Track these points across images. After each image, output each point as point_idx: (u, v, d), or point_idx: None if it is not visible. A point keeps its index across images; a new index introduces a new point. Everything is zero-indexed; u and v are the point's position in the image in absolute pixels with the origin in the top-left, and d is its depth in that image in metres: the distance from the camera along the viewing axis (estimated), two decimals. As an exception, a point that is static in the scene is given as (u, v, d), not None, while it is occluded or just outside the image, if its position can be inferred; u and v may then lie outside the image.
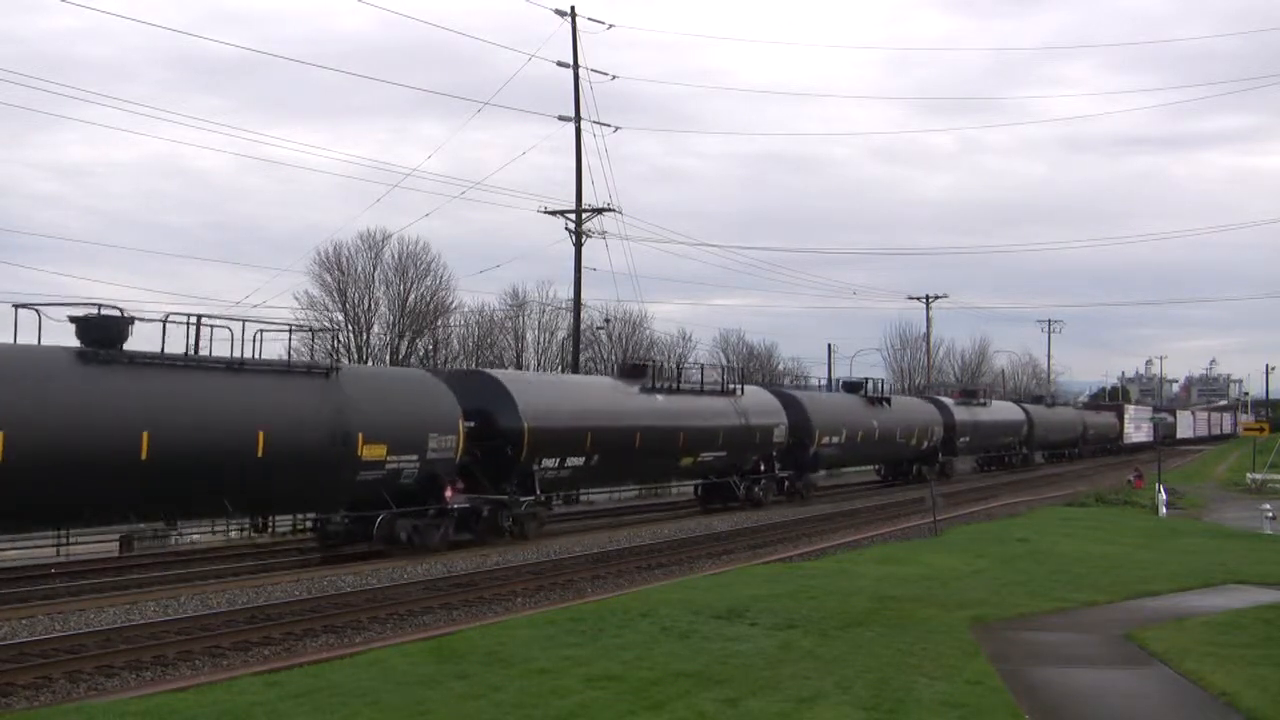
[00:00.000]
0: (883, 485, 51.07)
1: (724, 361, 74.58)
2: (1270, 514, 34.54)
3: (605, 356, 74.22)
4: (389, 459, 23.27)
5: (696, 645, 13.60)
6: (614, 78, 43.74)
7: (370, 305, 64.86)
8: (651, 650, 13.27)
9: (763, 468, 38.01)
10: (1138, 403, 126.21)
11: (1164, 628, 15.55)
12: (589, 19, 46.11)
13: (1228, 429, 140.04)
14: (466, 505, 25.56)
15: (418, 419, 24.11)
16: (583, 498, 37.80)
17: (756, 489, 37.42)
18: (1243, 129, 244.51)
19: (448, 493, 24.78)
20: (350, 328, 63.27)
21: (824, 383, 64.27)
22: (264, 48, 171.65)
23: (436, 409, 24.88)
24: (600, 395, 31.74)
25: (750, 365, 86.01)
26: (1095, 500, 42.04)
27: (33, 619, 16.75)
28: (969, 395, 60.87)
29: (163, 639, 15.50)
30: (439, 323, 66.61)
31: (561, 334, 68.49)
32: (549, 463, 28.10)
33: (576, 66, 41.60)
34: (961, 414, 55.63)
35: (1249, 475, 57.69)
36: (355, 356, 60.85)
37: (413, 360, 60.99)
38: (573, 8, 41.30)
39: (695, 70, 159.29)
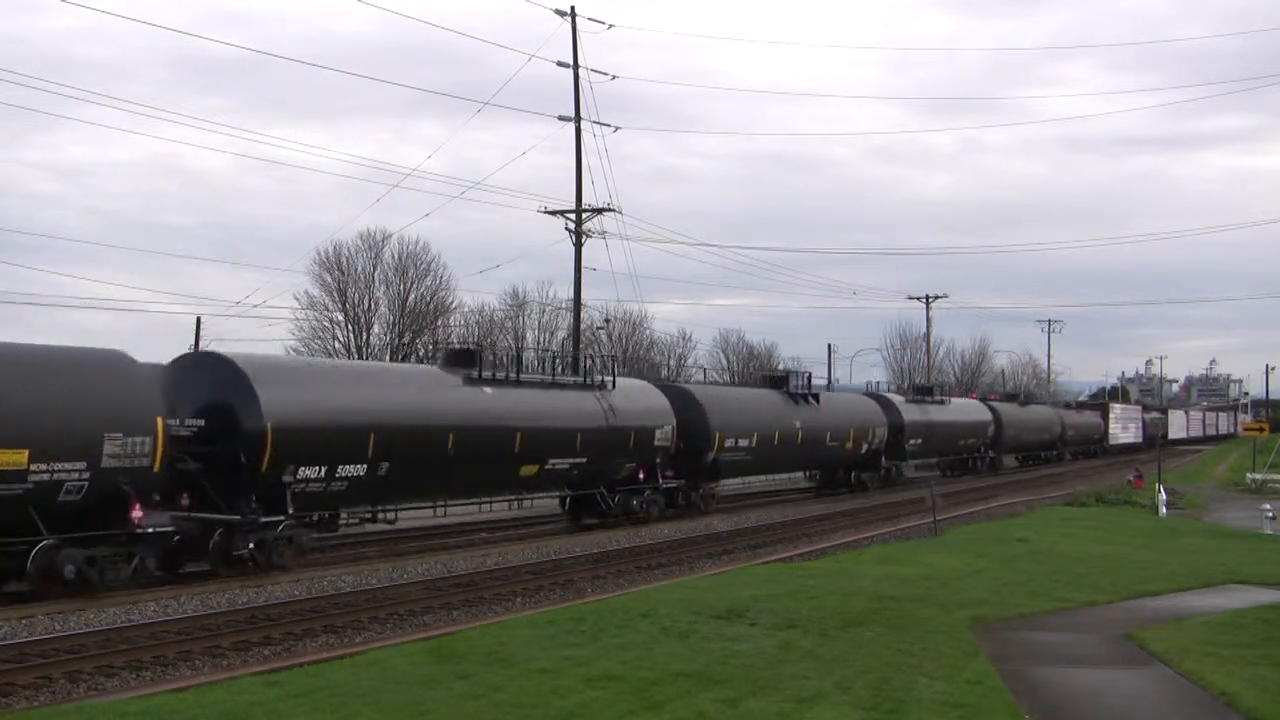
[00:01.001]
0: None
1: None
2: (1270, 514, 34.53)
3: (605, 357, 74.28)
4: (33, 468, 17.80)
5: (696, 645, 13.60)
6: (614, 78, 43.76)
7: (370, 305, 64.97)
8: (651, 650, 13.27)
9: (643, 477, 32.31)
10: (1138, 402, 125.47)
11: (1164, 628, 15.55)
12: (589, 19, 46.18)
13: (1224, 429, 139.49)
14: (170, 529, 19.77)
15: (86, 415, 18.67)
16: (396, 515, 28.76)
17: (636, 502, 31.82)
18: (1242, 129, 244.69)
19: (135, 513, 19.06)
20: (350, 327, 63.32)
21: (823, 383, 63.26)
22: (264, 48, 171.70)
23: (122, 402, 19.25)
24: (399, 387, 25.45)
25: (750, 365, 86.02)
26: (1095, 500, 42.03)
27: (33, 619, 16.74)
28: (923, 392, 55.19)
29: (163, 639, 15.50)
30: (439, 323, 66.65)
31: (561, 334, 68.52)
32: (309, 472, 22.13)
33: (576, 66, 41.61)
34: (912, 413, 49.94)
35: (1249, 475, 57.67)
36: (355, 356, 60.88)
37: (412, 360, 60.89)
38: (573, 8, 41.32)
39: (695, 70, 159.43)
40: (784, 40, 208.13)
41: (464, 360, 27.53)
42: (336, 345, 59.06)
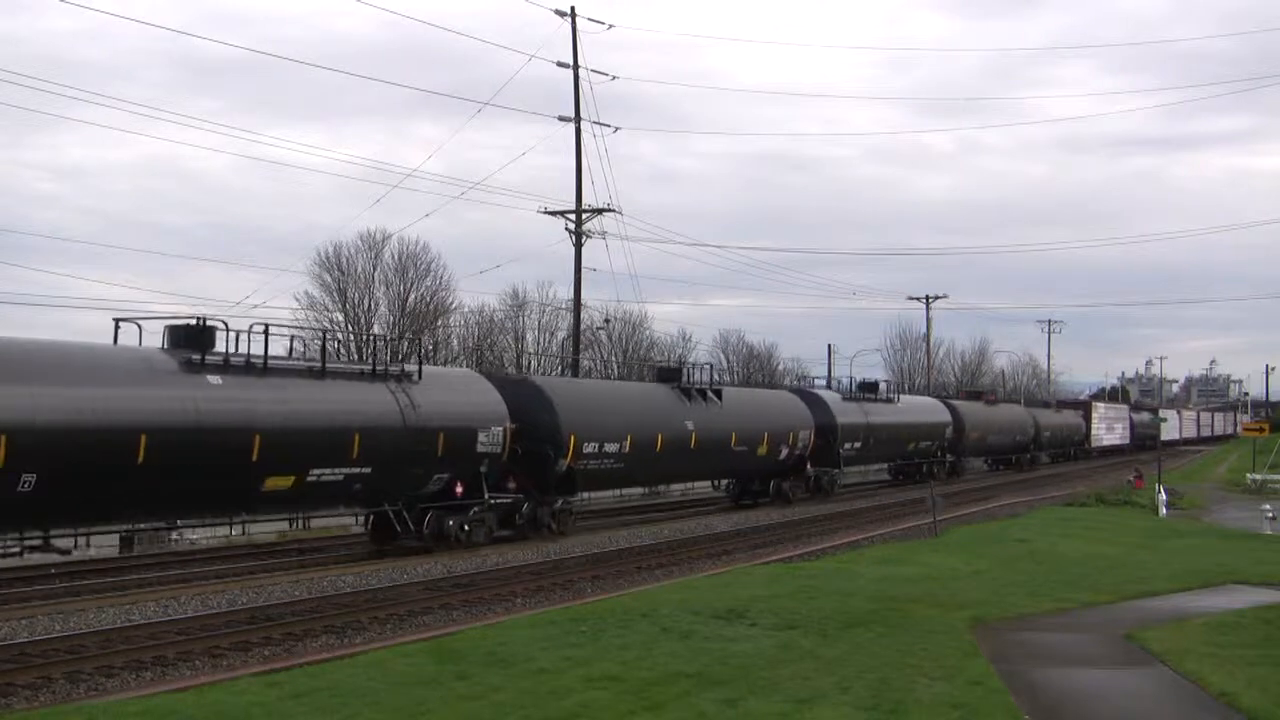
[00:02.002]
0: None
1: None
2: (1270, 514, 34.52)
3: (605, 357, 74.29)
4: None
5: (696, 645, 13.60)
6: (614, 78, 43.79)
7: (370, 305, 64.97)
8: (651, 650, 13.27)
9: (460, 490, 25.36)
10: (1128, 401, 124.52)
11: (1164, 628, 15.54)
12: (589, 19, 46.24)
13: (1220, 430, 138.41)
14: None
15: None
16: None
17: (452, 523, 25.14)
18: (1241, 130, 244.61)
19: None
20: (350, 328, 63.29)
21: (823, 382, 60.82)
22: (264, 48, 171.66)
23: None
24: (59, 377, 18.25)
25: (750, 366, 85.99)
26: (1095, 500, 42.04)
27: (33, 619, 16.75)
28: (868, 389, 49.19)
29: (163, 639, 15.51)
30: (439, 323, 66.65)
31: (561, 334, 68.53)
32: None
33: (576, 67, 41.63)
34: (848, 413, 44.04)
35: (1249, 475, 57.65)
36: (355, 356, 60.83)
37: (413, 360, 60.83)
38: (573, 8, 41.34)
39: (695, 71, 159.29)
40: (783, 41, 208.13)
41: (194, 340, 20.78)
42: (336, 346, 58.95)
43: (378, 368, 24.58)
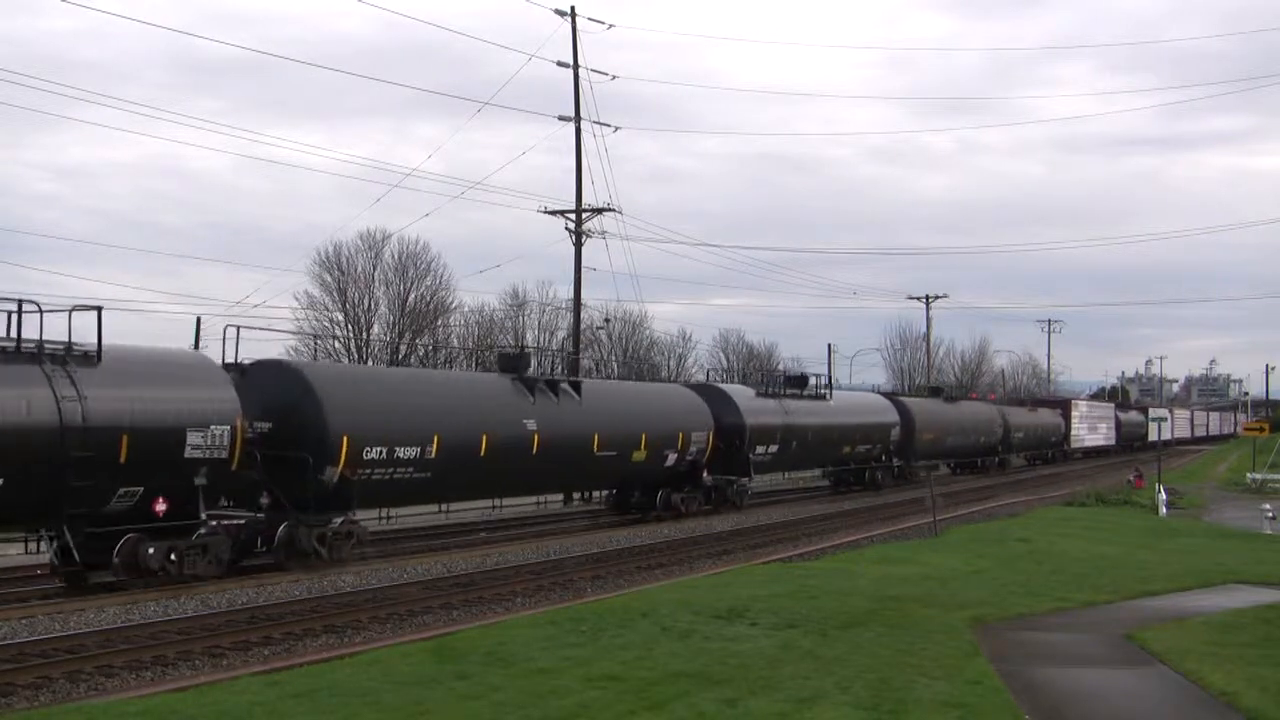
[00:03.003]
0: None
1: (727, 363, 73.94)
2: (1270, 514, 34.51)
3: (605, 356, 74.30)
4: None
5: (696, 645, 13.60)
6: (614, 78, 43.78)
7: (370, 305, 65.00)
8: (651, 650, 13.27)
9: (162, 509, 19.44)
10: (1137, 403, 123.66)
11: (1164, 628, 15.54)
12: (589, 19, 46.19)
13: (1217, 430, 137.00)
14: None
15: None
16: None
17: (152, 551, 19.12)
18: (1239, 130, 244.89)
19: None
20: (350, 328, 63.32)
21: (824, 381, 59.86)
22: (263, 48, 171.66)
23: None
24: None
25: (750, 366, 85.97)
26: (1095, 500, 42.03)
27: (33, 619, 16.75)
28: (793, 384, 42.14)
29: (163, 639, 15.51)
30: (439, 323, 66.67)
31: (561, 334, 68.52)
32: None
33: (576, 66, 41.60)
34: (762, 412, 37.56)
35: (1249, 475, 57.64)
36: (355, 356, 60.89)
37: (413, 360, 60.94)
38: (573, 8, 41.32)
39: (695, 70, 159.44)
40: (783, 40, 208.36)
41: None
42: (336, 345, 59.04)
43: (25, 345, 18.19)
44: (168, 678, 13.64)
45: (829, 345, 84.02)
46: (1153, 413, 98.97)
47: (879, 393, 54.03)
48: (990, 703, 11.12)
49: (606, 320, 66.13)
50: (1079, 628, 15.77)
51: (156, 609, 17.78)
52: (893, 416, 47.82)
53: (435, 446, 24.09)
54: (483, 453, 25.52)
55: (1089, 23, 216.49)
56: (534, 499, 36.22)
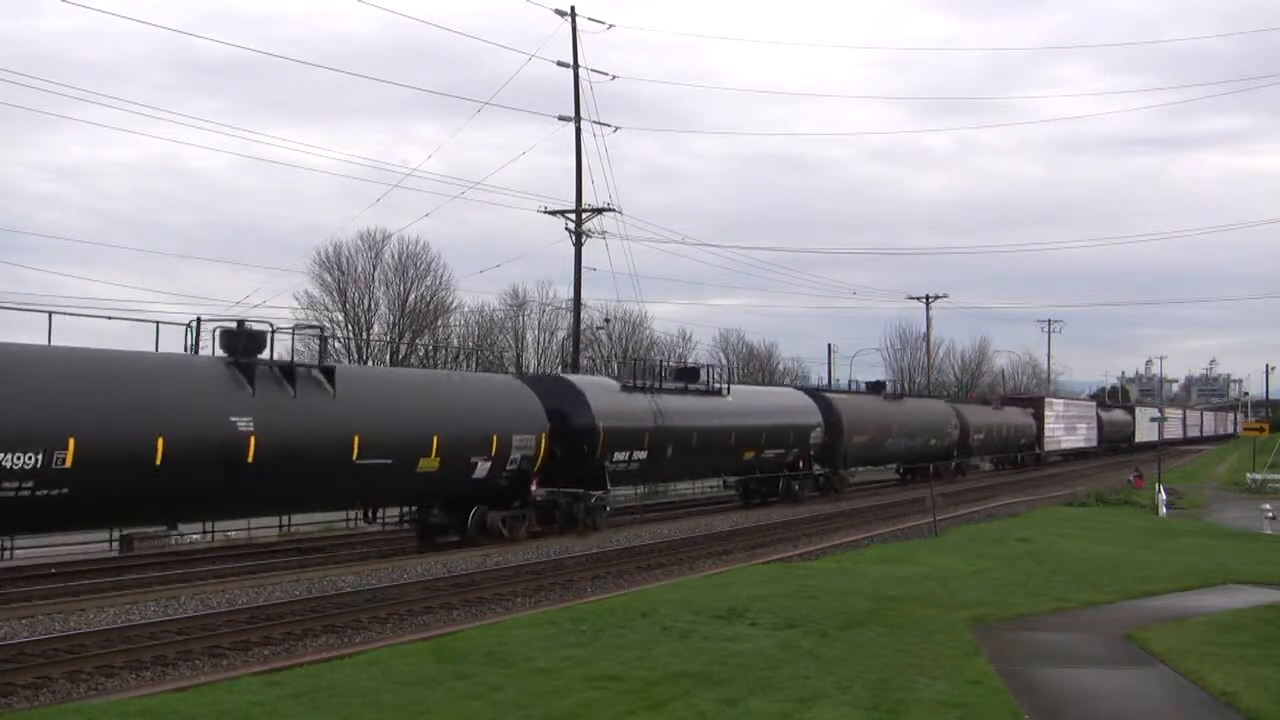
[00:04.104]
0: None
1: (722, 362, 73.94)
2: (1270, 514, 34.53)
3: (605, 356, 74.31)
4: None
5: (696, 645, 13.60)
6: (614, 78, 43.79)
7: (370, 305, 65.07)
8: (651, 650, 13.27)
9: None
10: (1139, 402, 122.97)
11: (1164, 628, 15.54)
12: (589, 19, 46.14)
13: (1213, 430, 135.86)
14: None
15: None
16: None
17: None
18: (1239, 130, 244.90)
19: None
20: (350, 328, 63.34)
21: (823, 381, 58.68)
22: (263, 48, 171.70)
23: None
24: None
25: (750, 365, 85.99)
26: (1095, 500, 42.06)
27: (33, 619, 16.75)
28: (683, 376, 35.90)
29: (163, 639, 15.51)
30: (439, 323, 66.70)
31: (561, 334, 68.59)
32: None
33: (576, 66, 41.61)
34: (623, 410, 30.77)
35: (1249, 475, 57.67)
36: (355, 356, 60.91)
37: (413, 360, 60.98)
38: (573, 8, 41.32)
39: (694, 70, 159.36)
40: (782, 40, 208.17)
41: None
42: (336, 345, 59.09)
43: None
44: (168, 678, 13.65)
45: (829, 345, 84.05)
46: (1140, 412, 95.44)
47: (801, 388, 48.00)
48: (990, 703, 11.12)
49: (606, 320, 66.17)
50: (1079, 628, 15.77)
51: (156, 609, 17.79)
52: (813, 417, 41.09)
53: (70, 454, 17.64)
54: (159, 461, 19.00)
55: (1089, 23, 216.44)
56: (306, 518, 29.37)
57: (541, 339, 71.90)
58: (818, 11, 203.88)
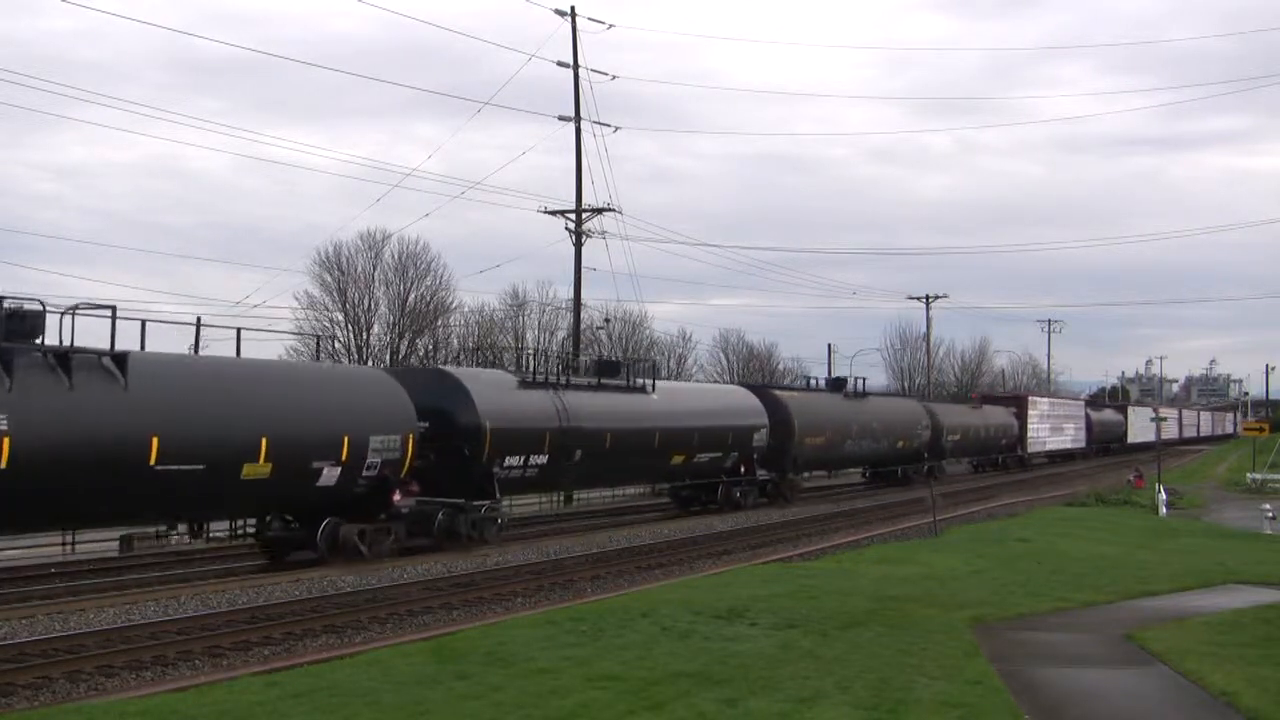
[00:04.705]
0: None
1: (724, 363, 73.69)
2: (1270, 514, 34.52)
3: (605, 357, 74.29)
4: None
5: (696, 645, 13.60)
6: (614, 78, 43.84)
7: (370, 305, 64.99)
8: (651, 650, 13.27)
9: None
10: (1138, 402, 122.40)
11: (1164, 628, 15.54)
12: (589, 19, 46.20)
13: (1209, 431, 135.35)
14: None
15: None
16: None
17: None
18: (1239, 130, 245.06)
19: None
20: (350, 327, 63.35)
21: (823, 382, 52.42)
22: (263, 48, 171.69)
23: None
24: None
25: (750, 365, 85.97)
26: (1095, 500, 42.06)
27: (33, 619, 16.75)
28: (603, 370, 32.56)
29: (163, 639, 15.50)
30: (439, 323, 66.70)
31: (561, 334, 68.52)
32: None
33: (576, 66, 41.63)
34: (517, 409, 27.12)
35: (1249, 475, 57.65)
36: (355, 357, 60.90)
37: (413, 360, 60.96)
38: (573, 8, 41.34)
39: (694, 70, 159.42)
40: (782, 41, 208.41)
41: None
42: (336, 345, 59.08)
43: None
44: (168, 678, 13.64)
45: (829, 345, 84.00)
46: (1133, 412, 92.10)
47: (747, 385, 44.20)
48: (990, 703, 11.12)
49: (606, 320, 66.15)
50: (1079, 628, 15.76)
51: (156, 609, 17.78)
52: (758, 417, 37.11)
53: None
54: None
55: (1088, 23, 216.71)
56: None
57: (541, 339, 71.83)
58: (818, 11, 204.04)
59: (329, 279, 63.63)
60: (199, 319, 21.43)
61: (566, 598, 19.62)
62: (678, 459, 33.38)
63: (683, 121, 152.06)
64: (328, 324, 62.05)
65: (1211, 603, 18.18)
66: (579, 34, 41.58)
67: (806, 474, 43.88)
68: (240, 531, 24.09)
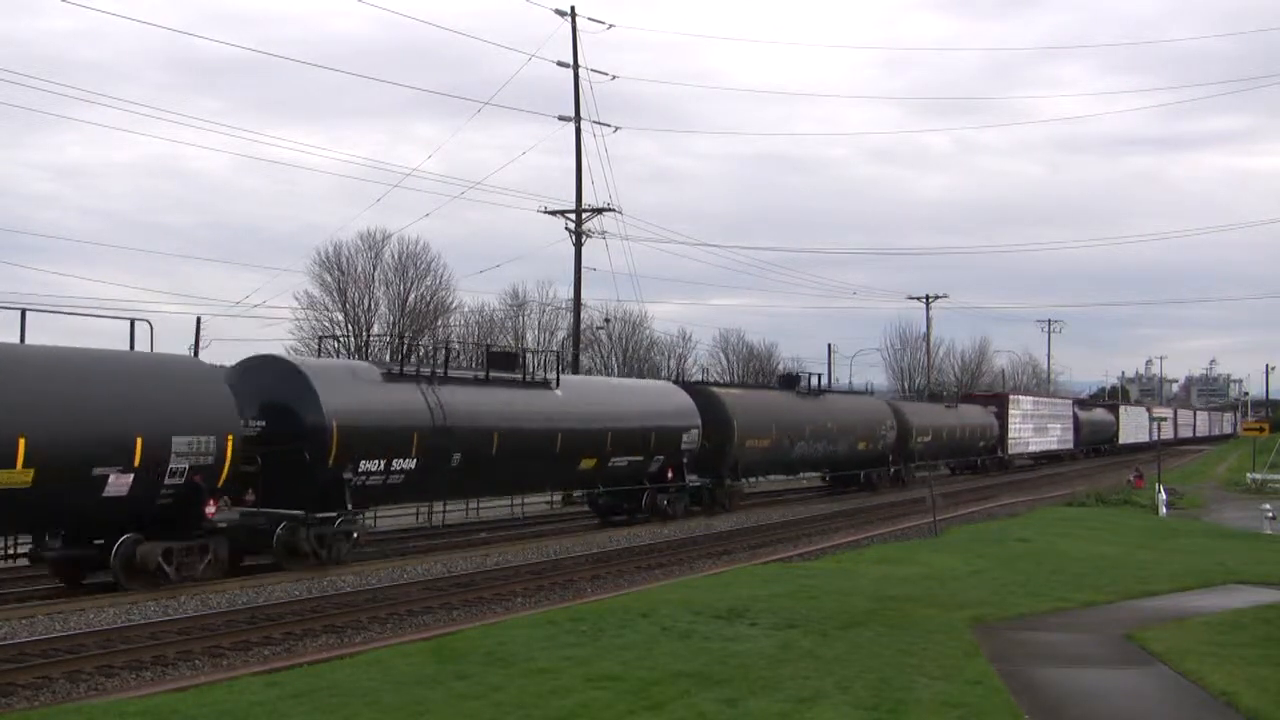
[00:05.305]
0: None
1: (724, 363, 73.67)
2: (1270, 514, 34.52)
3: (605, 356, 74.35)
4: None
5: (696, 645, 13.59)
6: (614, 78, 43.85)
7: (370, 305, 65.03)
8: (651, 650, 13.27)
9: None
10: (1137, 401, 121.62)
11: (1164, 628, 15.54)
12: (589, 19, 46.22)
13: (1206, 431, 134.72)
14: None
15: None
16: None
17: None
18: (1238, 130, 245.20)
19: None
20: (350, 327, 63.34)
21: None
22: (263, 48, 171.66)
23: None
24: None
25: (750, 365, 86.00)
26: (1095, 500, 42.07)
27: (33, 619, 16.75)
28: (496, 363, 28.27)
29: (163, 639, 15.50)
30: (439, 323, 66.70)
31: (561, 334, 68.56)
32: None
33: (576, 66, 41.63)
34: (376, 406, 23.33)
35: (1249, 475, 57.65)
36: (355, 357, 60.85)
37: (413, 360, 60.80)
38: (573, 8, 41.34)
39: (694, 71, 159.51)
40: (782, 41, 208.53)
41: None
42: (336, 345, 59.06)
43: None
44: (168, 678, 13.64)
45: (829, 345, 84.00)
46: (1125, 411, 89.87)
47: (680, 383, 39.02)
48: (990, 703, 11.12)
49: (606, 320, 66.21)
50: (1079, 628, 15.76)
51: (156, 609, 17.79)
52: (687, 417, 33.45)
53: None
54: None
55: (1088, 23, 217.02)
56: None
57: (541, 339, 71.89)
58: (818, 11, 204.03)
59: (329, 279, 63.71)
60: (199, 319, 21.36)
61: (566, 598, 19.62)
62: (587, 464, 29.60)
63: (682, 121, 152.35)
64: (328, 324, 62.12)
65: (1211, 603, 18.18)
66: (579, 34, 41.62)
67: (752, 479, 39.73)
68: (7, 553, 20.33)
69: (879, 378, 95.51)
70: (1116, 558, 24.54)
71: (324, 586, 20.31)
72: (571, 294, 44.05)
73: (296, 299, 61.93)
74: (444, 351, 27.36)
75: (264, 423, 21.68)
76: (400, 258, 65.01)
